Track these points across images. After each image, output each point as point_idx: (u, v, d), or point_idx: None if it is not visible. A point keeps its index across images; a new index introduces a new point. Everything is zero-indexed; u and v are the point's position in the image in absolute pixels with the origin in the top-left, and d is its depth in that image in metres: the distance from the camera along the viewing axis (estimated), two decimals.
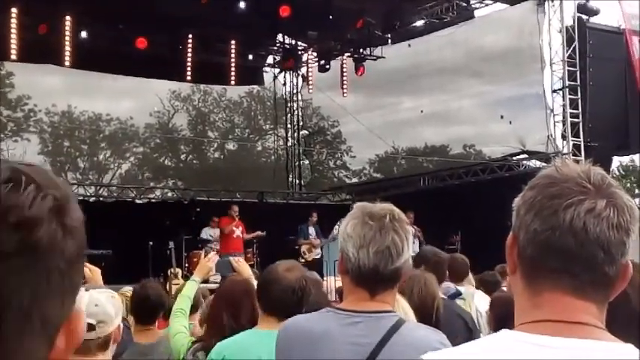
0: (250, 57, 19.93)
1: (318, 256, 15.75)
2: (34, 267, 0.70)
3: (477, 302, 5.78)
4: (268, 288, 3.32)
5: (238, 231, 15.21)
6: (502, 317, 4.87)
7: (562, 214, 1.32)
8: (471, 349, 1.37)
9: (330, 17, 17.13)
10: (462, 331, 4.53)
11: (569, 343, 1.29)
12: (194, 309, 4.53)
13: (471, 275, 6.51)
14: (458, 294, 5.61)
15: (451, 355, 1.37)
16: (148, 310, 4.74)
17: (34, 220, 0.72)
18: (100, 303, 2.78)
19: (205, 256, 4.96)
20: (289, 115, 22.55)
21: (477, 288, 6.48)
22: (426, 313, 3.75)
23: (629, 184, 29.67)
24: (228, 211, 15.50)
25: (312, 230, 16.18)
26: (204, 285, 5.17)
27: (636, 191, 28.20)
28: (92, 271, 4.44)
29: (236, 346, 3.34)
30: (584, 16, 16.02)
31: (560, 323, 1.33)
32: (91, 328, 2.71)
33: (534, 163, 16.84)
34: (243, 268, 4.52)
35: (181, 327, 4.17)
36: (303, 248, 15.82)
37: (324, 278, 14.24)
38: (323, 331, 2.35)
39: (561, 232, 1.32)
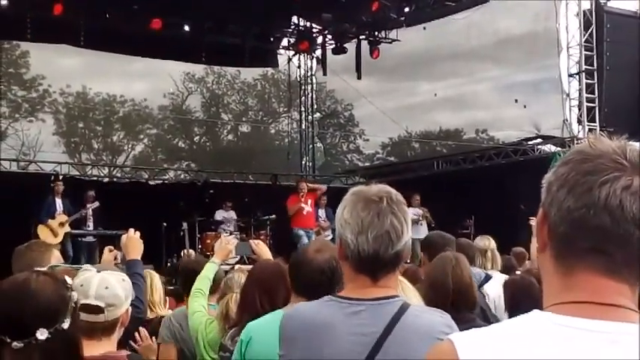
0: (265, 39, 19.85)
1: (328, 239, 15.72)
2: None
3: (485, 286, 5.69)
4: (298, 270, 3.27)
5: (307, 207, 15.18)
6: (515, 300, 4.88)
7: (597, 191, 1.27)
8: (503, 331, 1.33)
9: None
10: (479, 313, 4.53)
11: (601, 326, 1.26)
12: (214, 290, 4.52)
13: None
14: (489, 278, 5.56)
15: (482, 335, 1.32)
16: None
17: None
18: (110, 285, 2.70)
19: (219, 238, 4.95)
20: (303, 97, 22.52)
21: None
22: (467, 294, 3.75)
23: None
24: (297, 187, 15.49)
25: (322, 212, 16.13)
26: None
27: None
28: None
29: (264, 326, 3.32)
30: (602, 0, 15.88)
31: (593, 305, 1.29)
32: (99, 310, 2.65)
33: (549, 147, 16.75)
34: (263, 250, 4.51)
35: (200, 306, 4.23)
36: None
37: None
38: (325, 322, 2.28)
39: (596, 210, 1.27)
